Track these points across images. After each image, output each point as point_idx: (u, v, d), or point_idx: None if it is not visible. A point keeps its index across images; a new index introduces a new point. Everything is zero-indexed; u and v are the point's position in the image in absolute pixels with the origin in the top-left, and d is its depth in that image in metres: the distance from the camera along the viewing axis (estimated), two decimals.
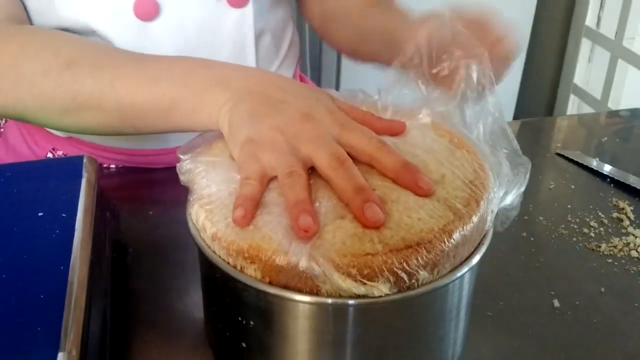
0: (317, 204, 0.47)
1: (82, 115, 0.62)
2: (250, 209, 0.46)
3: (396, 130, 0.55)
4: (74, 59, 0.62)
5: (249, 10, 0.78)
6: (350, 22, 0.79)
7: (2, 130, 0.90)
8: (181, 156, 0.53)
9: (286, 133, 0.51)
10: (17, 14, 0.70)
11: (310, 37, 0.98)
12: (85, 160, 0.59)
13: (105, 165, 0.83)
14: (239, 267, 0.46)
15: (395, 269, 0.43)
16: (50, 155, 0.83)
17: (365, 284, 0.43)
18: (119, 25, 0.73)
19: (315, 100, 0.55)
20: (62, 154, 0.83)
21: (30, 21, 0.73)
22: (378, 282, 0.43)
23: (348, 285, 0.43)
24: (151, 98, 0.59)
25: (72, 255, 0.48)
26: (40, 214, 0.52)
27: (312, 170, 0.50)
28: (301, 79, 1.02)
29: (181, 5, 0.74)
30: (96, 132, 0.67)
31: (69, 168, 0.59)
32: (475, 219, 0.48)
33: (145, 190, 0.78)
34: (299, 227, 0.44)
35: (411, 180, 0.48)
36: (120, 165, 0.83)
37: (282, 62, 0.90)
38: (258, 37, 0.82)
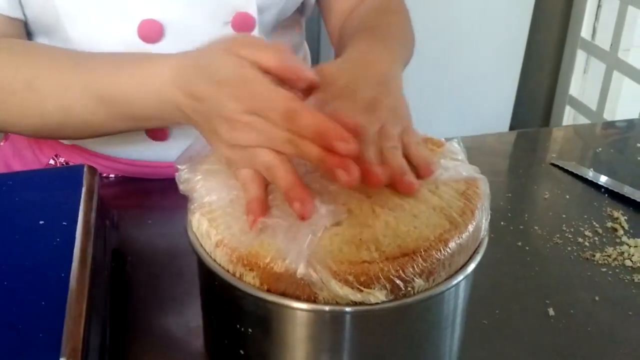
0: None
1: (53, 130, 0.66)
2: (256, 211, 0.48)
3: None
4: (32, 77, 0.64)
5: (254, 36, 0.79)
6: None
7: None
8: (179, 166, 0.54)
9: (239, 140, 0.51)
10: (10, 33, 0.71)
11: (309, 40, 0.98)
12: (85, 169, 0.60)
13: (104, 175, 0.83)
14: (238, 274, 0.46)
15: (391, 276, 0.44)
16: (52, 161, 0.84)
17: (362, 290, 0.43)
18: (123, 47, 0.73)
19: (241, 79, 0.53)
20: (64, 160, 0.84)
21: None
22: (374, 289, 0.43)
23: (345, 292, 0.43)
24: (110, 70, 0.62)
25: (73, 264, 0.49)
26: (41, 222, 0.53)
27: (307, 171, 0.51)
28: None
29: (185, 28, 0.75)
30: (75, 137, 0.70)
31: (70, 177, 0.59)
32: (471, 227, 0.48)
33: (143, 200, 0.79)
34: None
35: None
36: (120, 175, 0.84)
37: None
38: None
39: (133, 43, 0.73)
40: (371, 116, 0.56)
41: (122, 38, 0.73)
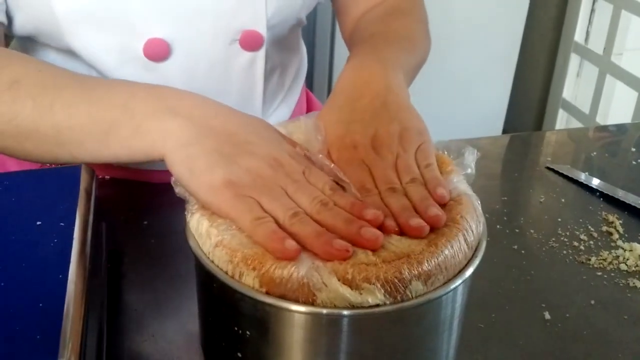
0: None
1: (19, 139, 0.59)
2: (291, 242, 0.46)
3: None
4: (17, 78, 0.60)
5: (261, 52, 0.77)
6: None
7: None
8: None
9: (264, 177, 0.51)
10: None
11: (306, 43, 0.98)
12: (82, 170, 0.60)
13: (100, 177, 0.83)
14: (238, 275, 0.46)
15: (390, 277, 0.44)
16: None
17: (362, 290, 0.44)
18: (127, 64, 0.72)
19: (277, 143, 0.55)
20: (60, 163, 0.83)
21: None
22: (374, 289, 0.44)
23: (344, 290, 0.44)
24: (89, 121, 0.56)
25: (70, 265, 0.49)
26: (38, 223, 0.53)
27: None
28: (307, 96, 1.02)
29: (192, 47, 0.73)
30: (33, 158, 0.63)
31: (66, 178, 0.59)
32: (461, 233, 0.49)
33: (140, 201, 0.79)
34: (337, 250, 0.45)
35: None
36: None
37: (288, 91, 0.91)
38: (268, 75, 0.82)
39: (138, 60, 0.72)
40: (382, 155, 0.56)
41: (128, 56, 0.72)
